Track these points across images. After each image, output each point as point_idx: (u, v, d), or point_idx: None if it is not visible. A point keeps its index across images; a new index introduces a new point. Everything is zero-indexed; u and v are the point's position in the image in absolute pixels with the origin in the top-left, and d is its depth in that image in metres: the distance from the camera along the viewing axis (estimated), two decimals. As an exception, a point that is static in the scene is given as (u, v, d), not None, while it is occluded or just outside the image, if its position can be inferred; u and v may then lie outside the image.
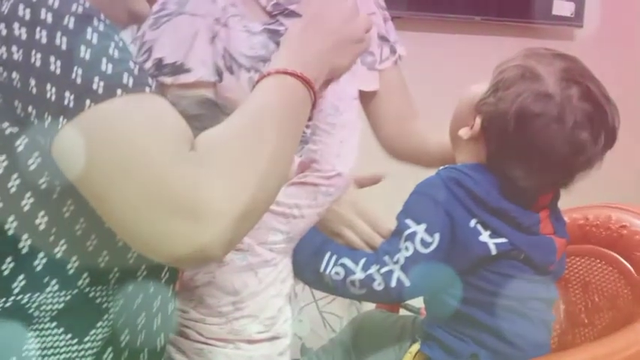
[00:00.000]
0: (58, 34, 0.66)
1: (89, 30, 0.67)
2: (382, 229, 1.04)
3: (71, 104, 0.65)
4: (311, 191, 0.92)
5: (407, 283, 0.98)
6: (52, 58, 0.65)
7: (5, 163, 0.68)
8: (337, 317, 2.08)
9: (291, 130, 0.75)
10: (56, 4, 0.67)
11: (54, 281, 0.72)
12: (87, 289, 0.73)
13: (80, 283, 0.73)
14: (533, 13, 2.28)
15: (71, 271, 0.72)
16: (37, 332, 0.71)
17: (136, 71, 0.68)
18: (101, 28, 0.68)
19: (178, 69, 1.15)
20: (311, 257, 1.01)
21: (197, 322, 0.90)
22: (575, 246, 1.16)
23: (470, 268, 1.00)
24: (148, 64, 1.14)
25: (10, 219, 0.69)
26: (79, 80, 0.65)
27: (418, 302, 1.16)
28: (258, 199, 0.68)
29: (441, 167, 1.04)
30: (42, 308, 0.71)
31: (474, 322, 1.01)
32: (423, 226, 0.98)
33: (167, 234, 0.64)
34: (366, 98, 1.30)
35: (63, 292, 0.72)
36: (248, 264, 0.90)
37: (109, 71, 0.66)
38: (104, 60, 0.67)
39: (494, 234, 0.98)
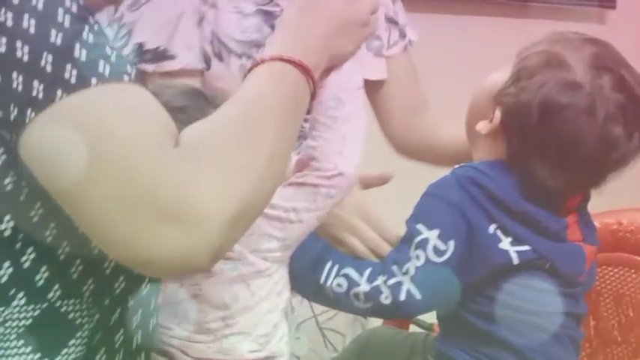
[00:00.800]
0: (26, 16, 0.66)
1: (60, 11, 0.67)
2: (390, 235, 1.04)
3: (40, 95, 0.64)
4: (310, 193, 0.92)
5: (418, 296, 0.99)
6: (19, 43, 0.65)
7: None
8: (339, 334, 2.08)
9: (287, 124, 0.75)
10: None
11: (21, 294, 0.71)
12: (58, 303, 0.73)
13: (50, 296, 0.73)
14: (559, -7, 2.28)
15: (40, 283, 0.72)
16: (2, 352, 0.70)
17: (113, 58, 0.68)
18: (74, 9, 0.68)
19: (161, 55, 1.15)
20: (310, 267, 1.01)
21: (182, 340, 0.90)
22: (607, 254, 1.16)
23: (489, 280, 1.00)
24: (127, 50, 1.14)
25: None
26: (49, 68, 0.65)
27: (431, 318, 1.16)
28: (250, 201, 0.68)
29: (456, 165, 1.04)
30: (7, 324, 0.71)
31: (494, 341, 1.01)
32: (435, 232, 0.98)
33: (148, 240, 0.64)
34: (372, 88, 1.30)
35: (31, 307, 0.72)
36: (239, 274, 0.90)
37: (83, 58, 0.66)
38: (77, 45, 0.66)
39: (516, 241, 0.99)
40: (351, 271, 1.01)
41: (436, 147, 1.29)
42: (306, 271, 1.00)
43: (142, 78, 0.73)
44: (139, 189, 0.64)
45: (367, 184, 1.12)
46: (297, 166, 0.95)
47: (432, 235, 0.98)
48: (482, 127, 1.03)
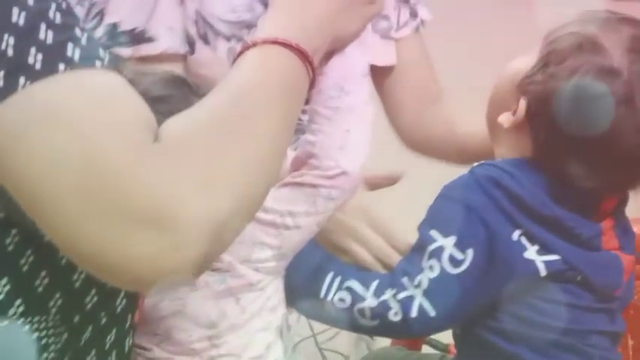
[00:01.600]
0: None
1: (23, -13, 0.67)
2: (400, 243, 1.04)
3: (0, 83, 0.64)
4: (308, 194, 0.92)
5: (432, 312, 0.99)
6: (-26, 24, 0.65)
7: None
8: (342, 356, 2.08)
9: (283, 116, 0.75)
10: None
11: (-22, 310, 0.72)
12: (21, 320, 0.73)
13: (12, 312, 0.73)
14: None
15: (0, 297, 0.72)
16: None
17: (83, 41, 0.68)
18: (39, -16, 0.68)
19: (138, 37, 1.15)
20: (308, 279, 1.01)
21: (163, 362, 0.90)
22: (648, 265, 1.15)
23: (512, 294, 1.00)
24: (100, 32, 1.14)
25: None
26: (10, 52, 0.65)
27: (446, 337, 1.16)
28: (241, 204, 0.69)
29: (476, 164, 1.04)
30: (-37, 345, 0.71)
31: (518, 363, 1.01)
32: (451, 240, 0.99)
33: (122, 248, 0.64)
34: (379, 75, 1.30)
35: (-10, 324, 0.72)
36: (228, 288, 0.91)
37: (49, 41, 0.66)
38: (43, 26, 0.66)
39: (544, 249, 0.99)
40: (355, 284, 1.01)
41: (452, 142, 1.29)
42: (304, 283, 1.01)
43: (116, 64, 0.73)
44: (112, 189, 0.64)
45: (374, 184, 1.12)
46: (293, 164, 0.94)
47: (447, 243, 0.99)
48: (505, 119, 1.03)
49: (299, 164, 0.94)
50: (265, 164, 0.72)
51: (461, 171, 1.04)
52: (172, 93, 0.89)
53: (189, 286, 0.89)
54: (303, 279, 1.00)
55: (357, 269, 1.03)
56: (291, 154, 0.95)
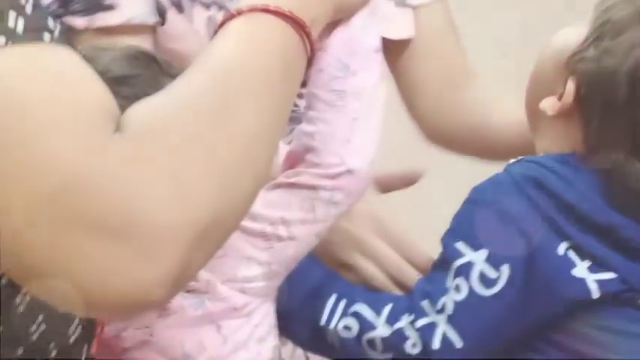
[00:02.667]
0: None
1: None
2: (419, 257, 1.04)
3: None
4: (306, 198, 0.92)
5: (458, 343, 0.99)
6: None
7: None
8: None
9: (274, 101, 0.75)
10: None
11: None
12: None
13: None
14: None
15: None
16: None
17: (28, 9, 0.68)
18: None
19: (96, 5, 1.15)
20: (306, 303, 1.01)
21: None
22: None
23: (557, 320, 1.00)
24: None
25: None
26: None
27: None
28: (222, 209, 0.69)
29: (512, 160, 1.04)
30: None
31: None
32: (483, 254, 0.99)
33: (75, 263, 0.64)
34: (393, 51, 1.30)
35: None
36: (206, 313, 0.91)
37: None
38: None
39: (597, 266, 0.99)
40: (363, 309, 1.01)
41: (484, 134, 1.29)
42: (301, 308, 1.00)
43: (69, 36, 0.73)
44: (63, 189, 0.63)
45: (387, 185, 1.12)
46: (287, 160, 0.94)
47: (477, 258, 0.98)
48: (549, 105, 1.03)
49: (294, 161, 0.94)
50: (252, 160, 0.72)
51: (494, 169, 1.04)
52: (138, 73, 0.89)
53: (158, 311, 0.89)
54: (300, 302, 1.00)
55: (365, 290, 1.03)
56: (284, 149, 0.95)
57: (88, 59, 0.70)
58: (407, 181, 1.15)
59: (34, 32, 0.67)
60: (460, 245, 1.00)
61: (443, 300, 0.99)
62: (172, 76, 0.76)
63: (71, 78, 0.68)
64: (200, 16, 1.17)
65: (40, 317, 0.77)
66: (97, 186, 0.64)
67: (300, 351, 1.15)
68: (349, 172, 0.92)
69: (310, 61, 0.81)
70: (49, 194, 0.63)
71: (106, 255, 0.64)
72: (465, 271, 0.99)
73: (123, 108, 0.70)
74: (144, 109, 0.70)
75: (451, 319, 0.99)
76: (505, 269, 0.98)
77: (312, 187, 0.92)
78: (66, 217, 0.63)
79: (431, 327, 0.99)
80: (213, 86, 0.73)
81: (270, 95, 0.75)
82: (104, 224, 0.63)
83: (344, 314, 1.01)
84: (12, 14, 0.67)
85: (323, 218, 0.93)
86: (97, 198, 0.64)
